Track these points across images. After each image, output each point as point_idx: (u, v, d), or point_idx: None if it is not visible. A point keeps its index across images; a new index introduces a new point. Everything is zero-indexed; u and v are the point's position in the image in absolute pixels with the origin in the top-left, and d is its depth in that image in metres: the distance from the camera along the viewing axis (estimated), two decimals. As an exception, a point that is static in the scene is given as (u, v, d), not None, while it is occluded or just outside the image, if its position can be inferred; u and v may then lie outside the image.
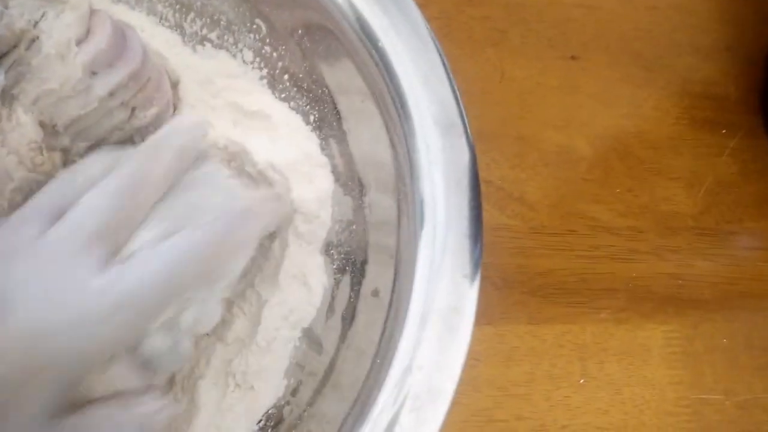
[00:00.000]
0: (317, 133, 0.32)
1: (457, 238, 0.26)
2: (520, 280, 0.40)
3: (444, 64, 0.28)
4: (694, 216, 0.42)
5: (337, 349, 0.29)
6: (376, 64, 0.28)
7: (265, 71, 0.33)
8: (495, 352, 0.38)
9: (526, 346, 0.38)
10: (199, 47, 0.32)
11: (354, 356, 0.28)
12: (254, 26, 0.32)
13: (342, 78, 0.30)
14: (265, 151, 0.30)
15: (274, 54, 0.32)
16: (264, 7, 0.31)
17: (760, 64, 0.45)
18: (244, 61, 0.32)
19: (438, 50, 0.28)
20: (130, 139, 0.27)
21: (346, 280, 0.31)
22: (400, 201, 0.28)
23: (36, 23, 0.24)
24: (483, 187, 0.27)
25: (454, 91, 0.28)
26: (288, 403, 0.29)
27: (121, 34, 0.26)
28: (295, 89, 0.32)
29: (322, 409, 0.27)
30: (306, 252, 0.31)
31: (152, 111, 0.27)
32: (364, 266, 0.30)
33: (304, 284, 0.30)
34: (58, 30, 0.24)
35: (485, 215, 0.27)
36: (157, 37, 0.31)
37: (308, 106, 0.32)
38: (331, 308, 0.30)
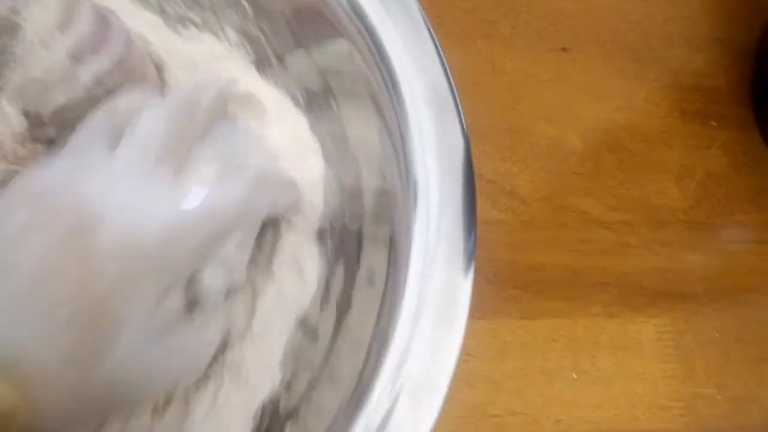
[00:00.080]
0: (308, 115, 0.32)
1: (451, 225, 0.26)
2: (511, 275, 0.40)
3: (436, 47, 0.28)
4: (684, 209, 0.42)
5: (333, 339, 0.29)
6: (368, 46, 0.28)
7: (252, 54, 0.32)
8: (488, 347, 0.38)
9: (519, 340, 0.38)
10: (183, 30, 0.32)
11: (349, 346, 0.28)
12: (240, 8, 0.31)
13: (333, 60, 0.30)
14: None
15: (262, 36, 0.31)
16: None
17: (750, 56, 0.45)
18: (230, 44, 0.32)
19: (431, 34, 0.28)
20: None
21: (341, 268, 0.30)
22: (393, 185, 0.28)
23: (18, 11, 0.24)
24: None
25: (446, 75, 0.28)
26: (283, 395, 0.29)
27: (104, 20, 0.25)
28: (284, 71, 0.32)
29: (317, 401, 0.27)
30: (299, 239, 0.30)
31: None
32: (359, 253, 0.30)
33: (298, 272, 0.30)
34: (40, 17, 0.24)
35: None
36: (138, 21, 0.31)
37: (297, 89, 0.32)
38: (326, 296, 0.30)
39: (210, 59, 0.31)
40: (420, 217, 0.26)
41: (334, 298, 0.30)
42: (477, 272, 0.26)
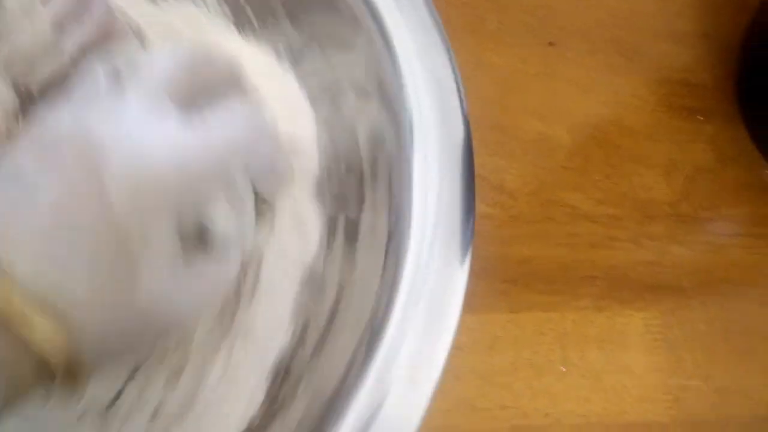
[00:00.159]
0: (294, 70, 0.32)
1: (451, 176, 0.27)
2: (500, 269, 0.40)
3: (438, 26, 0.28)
4: (671, 203, 0.43)
5: (339, 289, 0.29)
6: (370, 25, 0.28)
7: (231, 16, 0.32)
8: (477, 340, 0.38)
9: (508, 334, 0.38)
10: (160, 1, 0.32)
11: (356, 295, 0.28)
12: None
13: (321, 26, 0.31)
14: None
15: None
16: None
17: (736, 52, 0.46)
18: (208, 10, 0.32)
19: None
20: None
21: (342, 222, 0.31)
22: (388, 130, 0.29)
23: None
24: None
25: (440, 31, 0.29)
26: (295, 352, 0.29)
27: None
28: (265, 30, 0.33)
29: (327, 357, 0.28)
30: (297, 197, 0.31)
31: None
32: (360, 208, 0.30)
33: (299, 230, 0.30)
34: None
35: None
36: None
37: (281, 44, 0.32)
38: (330, 247, 0.31)
39: (190, 25, 0.32)
40: (418, 167, 0.27)
41: (338, 248, 0.30)
42: (466, 265, 0.26)
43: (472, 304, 0.39)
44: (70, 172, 0.20)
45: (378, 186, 0.29)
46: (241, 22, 0.32)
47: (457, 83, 0.29)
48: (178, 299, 0.22)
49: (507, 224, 0.41)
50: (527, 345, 0.39)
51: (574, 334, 0.39)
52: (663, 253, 0.42)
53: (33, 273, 0.19)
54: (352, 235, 0.30)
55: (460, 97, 0.28)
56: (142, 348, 0.27)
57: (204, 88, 0.25)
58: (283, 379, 0.28)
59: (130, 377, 0.28)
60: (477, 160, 0.42)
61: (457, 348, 0.37)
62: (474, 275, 0.39)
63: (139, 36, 0.30)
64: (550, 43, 0.45)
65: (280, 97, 0.31)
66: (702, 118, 0.45)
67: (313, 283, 0.30)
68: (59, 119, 0.22)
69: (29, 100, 0.25)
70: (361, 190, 0.30)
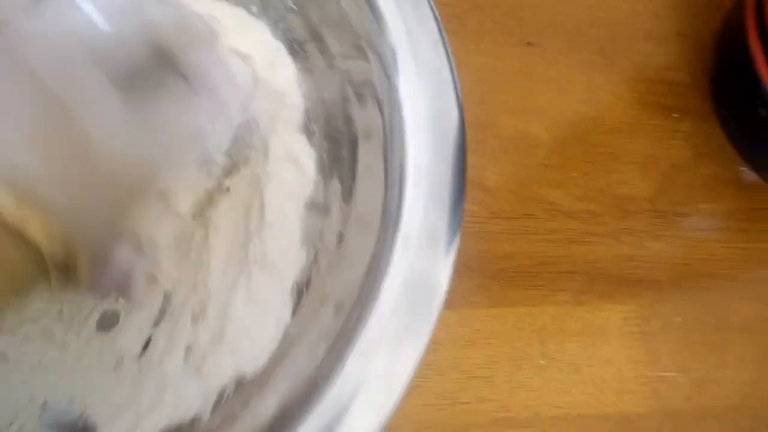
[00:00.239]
0: (267, 21, 0.33)
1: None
2: (481, 265, 0.41)
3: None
4: (649, 199, 0.44)
5: (343, 213, 0.31)
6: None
7: None
8: (457, 335, 0.39)
9: (488, 329, 0.39)
10: None
11: (359, 220, 0.30)
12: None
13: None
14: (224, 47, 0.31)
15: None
16: None
17: (711, 50, 0.47)
18: None
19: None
20: None
21: (337, 151, 0.32)
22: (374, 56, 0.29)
23: None
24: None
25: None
26: (311, 270, 0.31)
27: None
28: None
29: (342, 273, 0.29)
30: (287, 132, 0.32)
31: None
32: (355, 144, 0.31)
33: (294, 163, 0.32)
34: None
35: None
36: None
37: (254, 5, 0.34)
38: (329, 174, 0.32)
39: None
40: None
41: (335, 174, 0.32)
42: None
43: (451, 299, 0.40)
44: None
45: (368, 113, 0.30)
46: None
47: (450, 67, 0.30)
48: (139, 144, 0.22)
49: (487, 221, 0.42)
50: (507, 339, 0.39)
51: (553, 328, 0.40)
52: (641, 248, 0.43)
53: None
54: (348, 171, 0.31)
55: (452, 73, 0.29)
56: (125, 213, 0.26)
57: None
58: (306, 293, 0.30)
59: (155, 324, 0.30)
60: (457, 159, 0.43)
61: (437, 343, 0.38)
62: (454, 271, 0.41)
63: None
64: (529, 43, 0.46)
65: (257, 45, 0.33)
66: (678, 116, 0.46)
67: (317, 209, 0.31)
68: None
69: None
70: (352, 132, 0.31)
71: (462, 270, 0.41)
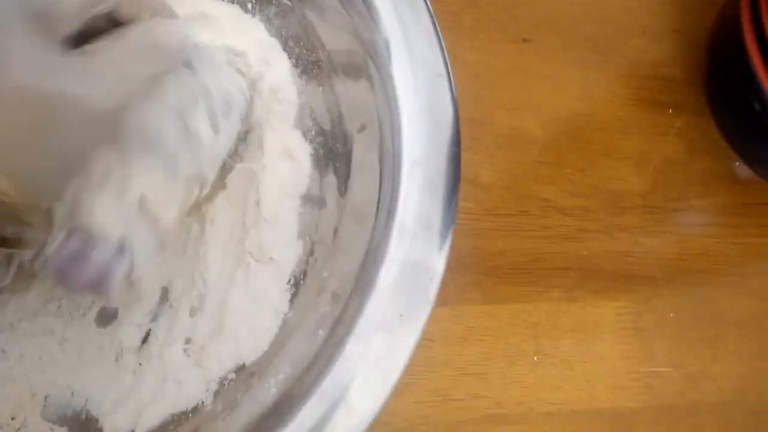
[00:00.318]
0: (262, 19, 0.35)
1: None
2: (474, 261, 0.42)
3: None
4: (642, 195, 0.45)
5: (339, 205, 0.32)
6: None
7: None
8: (450, 332, 0.40)
9: (481, 325, 0.41)
10: None
11: (354, 212, 0.31)
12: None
13: None
14: (219, 46, 0.33)
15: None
16: None
17: (704, 46, 0.48)
18: None
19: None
20: None
21: (331, 149, 0.34)
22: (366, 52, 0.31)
23: None
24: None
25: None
26: (308, 261, 0.32)
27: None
28: None
29: (339, 263, 0.30)
30: (282, 127, 0.34)
31: None
32: (350, 138, 0.33)
33: (290, 156, 0.33)
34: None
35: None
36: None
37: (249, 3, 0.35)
38: (325, 167, 0.33)
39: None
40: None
41: (330, 168, 0.33)
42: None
43: (445, 296, 0.42)
44: None
45: (363, 107, 0.32)
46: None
47: (445, 62, 0.31)
48: (73, 87, 0.23)
49: (481, 218, 0.43)
50: (500, 336, 0.41)
51: (546, 324, 0.41)
52: (634, 243, 0.44)
53: None
54: (343, 164, 0.32)
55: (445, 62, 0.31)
56: (76, 150, 0.26)
57: None
58: (303, 284, 0.31)
59: (154, 318, 0.32)
60: (451, 156, 0.44)
61: (430, 340, 0.40)
62: (448, 268, 0.42)
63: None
64: (524, 40, 0.48)
65: (253, 42, 0.34)
66: (671, 111, 0.47)
67: (313, 202, 0.33)
68: None
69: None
70: (347, 125, 0.32)
71: (455, 267, 0.42)
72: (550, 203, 0.44)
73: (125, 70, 0.25)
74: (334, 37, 0.34)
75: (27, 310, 0.31)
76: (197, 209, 0.33)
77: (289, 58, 0.35)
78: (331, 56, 0.34)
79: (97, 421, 0.30)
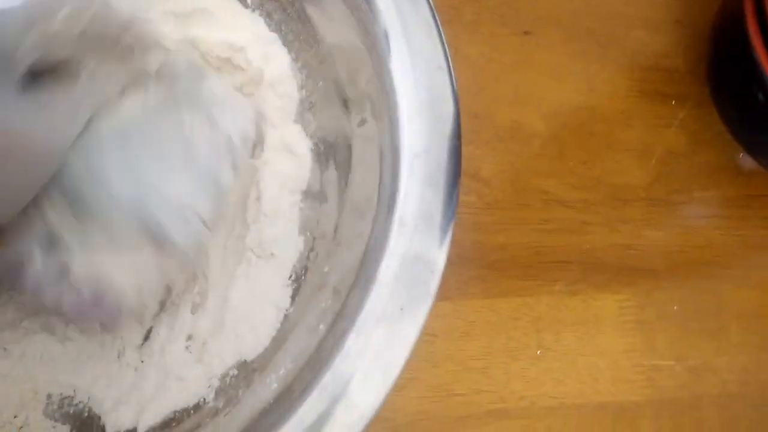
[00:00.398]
0: (261, 13, 0.35)
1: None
2: (476, 256, 0.42)
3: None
4: (645, 187, 0.45)
5: (340, 200, 0.32)
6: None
7: None
8: (452, 327, 0.41)
9: (483, 320, 0.41)
10: None
11: (355, 206, 0.31)
12: None
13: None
14: (218, 41, 0.33)
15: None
16: None
17: (707, 37, 0.48)
18: None
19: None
20: None
21: (331, 143, 0.34)
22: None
23: None
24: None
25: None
26: (309, 257, 0.32)
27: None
28: None
29: (340, 258, 0.31)
30: (282, 122, 0.34)
31: None
32: (350, 132, 0.33)
33: (290, 151, 0.34)
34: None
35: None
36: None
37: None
38: (325, 162, 0.34)
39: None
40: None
41: (331, 162, 0.34)
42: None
43: (447, 290, 0.42)
44: None
45: (362, 100, 0.32)
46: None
47: (445, 55, 0.32)
48: (33, 125, 0.24)
49: (483, 212, 0.43)
50: (502, 330, 0.41)
51: (548, 318, 0.42)
52: (636, 236, 0.44)
53: None
54: (344, 159, 0.33)
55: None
56: (32, 177, 0.27)
57: None
58: (304, 279, 0.32)
59: (156, 314, 0.32)
60: (452, 150, 0.45)
61: (432, 335, 0.40)
62: (449, 262, 0.42)
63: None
64: (525, 33, 0.48)
65: (251, 36, 0.34)
66: (674, 103, 0.47)
67: (313, 197, 0.33)
68: None
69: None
70: (347, 120, 0.33)
71: (457, 261, 0.42)
72: (552, 196, 0.44)
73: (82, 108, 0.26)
74: (333, 31, 0.34)
75: (28, 308, 0.31)
76: None
77: (289, 52, 0.35)
78: (331, 50, 0.34)
79: (99, 418, 0.30)
